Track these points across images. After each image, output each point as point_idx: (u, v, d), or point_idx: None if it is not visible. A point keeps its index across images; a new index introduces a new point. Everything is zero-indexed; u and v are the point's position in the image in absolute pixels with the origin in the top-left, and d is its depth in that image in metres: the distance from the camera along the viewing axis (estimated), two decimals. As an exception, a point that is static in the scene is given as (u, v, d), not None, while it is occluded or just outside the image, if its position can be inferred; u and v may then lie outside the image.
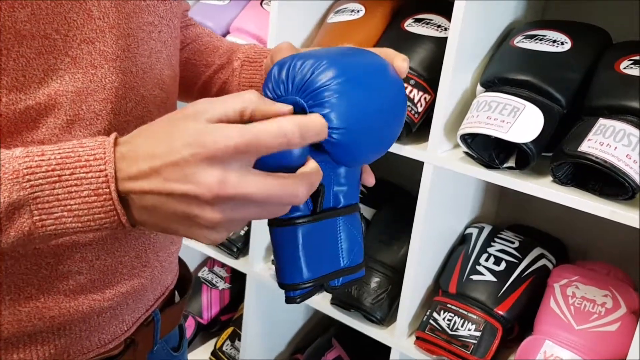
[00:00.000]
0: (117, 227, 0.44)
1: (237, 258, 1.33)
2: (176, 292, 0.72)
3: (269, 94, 0.49)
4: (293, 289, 0.50)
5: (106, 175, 0.42)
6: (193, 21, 0.79)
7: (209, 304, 1.53)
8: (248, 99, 0.43)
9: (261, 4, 1.32)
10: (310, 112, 0.46)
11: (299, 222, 0.50)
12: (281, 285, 0.51)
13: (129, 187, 0.42)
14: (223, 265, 1.58)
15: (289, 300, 0.51)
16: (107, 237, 0.55)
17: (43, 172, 0.42)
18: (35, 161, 0.42)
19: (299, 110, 0.47)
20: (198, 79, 0.75)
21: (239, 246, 1.32)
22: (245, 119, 0.43)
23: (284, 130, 0.41)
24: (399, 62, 0.53)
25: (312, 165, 0.45)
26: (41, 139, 0.49)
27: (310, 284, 0.51)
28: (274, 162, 0.44)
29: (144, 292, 0.61)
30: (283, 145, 0.41)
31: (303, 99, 0.47)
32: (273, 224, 0.51)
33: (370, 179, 0.57)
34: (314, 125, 0.44)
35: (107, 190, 0.42)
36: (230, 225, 0.43)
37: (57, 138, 0.50)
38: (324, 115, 0.45)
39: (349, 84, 0.46)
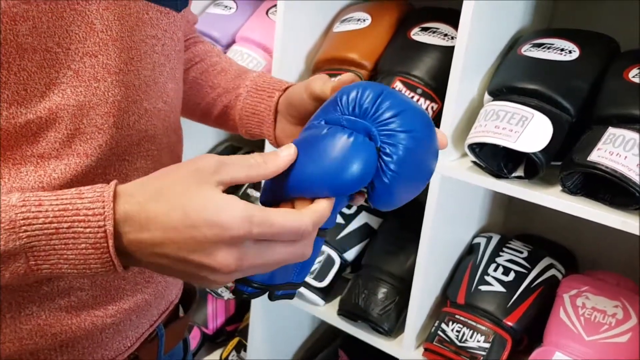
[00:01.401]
0: (112, 274, 0.46)
1: (242, 268, 1.33)
2: (180, 307, 0.72)
3: (343, 105, 0.51)
4: (246, 284, 0.52)
5: (105, 232, 0.42)
6: (202, 38, 0.79)
7: (214, 314, 1.52)
8: (255, 164, 0.46)
9: (267, 13, 1.32)
10: (380, 146, 0.49)
11: None
12: (241, 280, 0.54)
13: (138, 250, 0.43)
14: (229, 275, 1.57)
15: (236, 292, 0.53)
16: None
17: (40, 223, 0.42)
18: (32, 212, 0.42)
19: (363, 133, 0.49)
20: (202, 99, 0.74)
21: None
22: (253, 180, 0.46)
23: (302, 229, 0.44)
24: (441, 135, 0.55)
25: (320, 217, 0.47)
26: (41, 152, 0.49)
27: (261, 286, 0.53)
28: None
29: (148, 307, 0.61)
30: (297, 238, 0.45)
31: (377, 132, 0.49)
32: None
33: (360, 200, 0.58)
34: (325, 216, 0.47)
35: (105, 245, 0.43)
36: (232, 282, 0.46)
37: (58, 152, 0.50)
38: (388, 154, 0.49)
39: (416, 141, 0.50)
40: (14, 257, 0.42)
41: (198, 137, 1.56)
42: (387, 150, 0.49)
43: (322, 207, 0.47)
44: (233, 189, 1.36)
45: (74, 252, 0.43)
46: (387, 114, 0.50)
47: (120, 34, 0.51)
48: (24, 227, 0.42)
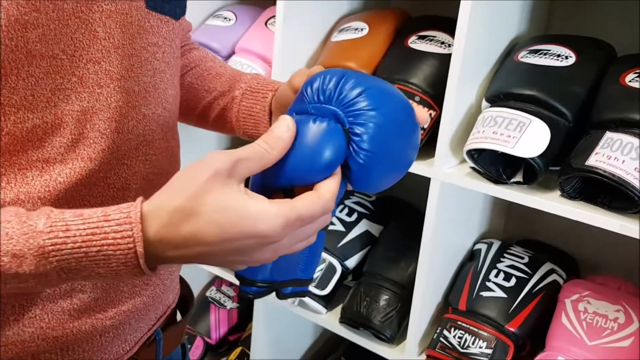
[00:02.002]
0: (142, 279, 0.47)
1: (244, 277, 1.33)
2: (178, 312, 0.72)
3: (308, 95, 0.52)
4: (250, 285, 0.53)
5: (135, 253, 0.44)
6: (196, 45, 0.80)
7: (217, 323, 1.52)
8: (264, 152, 0.47)
9: (266, 24, 1.33)
10: (349, 128, 0.50)
11: None
12: (240, 277, 0.54)
13: (175, 260, 0.45)
14: (231, 284, 1.57)
15: (242, 293, 0.54)
16: None
17: (69, 249, 0.43)
18: (61, 238, 0.43)
19: (333, 119, 0.50)
20: (198, 103, 0.75)
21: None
22: (264, 168, 0.48)
23: (327, 208, 0.48)
24: (419, 109, 0.58)
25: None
26: (47, 157, 0.50)
27: (266, 285, 0.53)
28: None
29: (146, 310, 0.62)
30: (323, 215, 0.48)
31: (344, 114, 0.50)
32: None
33: None
34: (336, 188, 0.49)
35: (137, 263, 0.44)
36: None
37: (62, 157, 0.51)
38: (358, 134, 0.49)
39: (386, 116, 0.50)
40: (46, 276, 0.44)
41: (196, 141, 1.57)
42: (357, 131, 0.49)
43: (333, 182, 0.49)
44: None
45: (105, 269, 0.44)
46: (351, 95, 0.50)
47: (122, 42, 0.53)
48: (53, 253, 0.43)
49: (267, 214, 0.44)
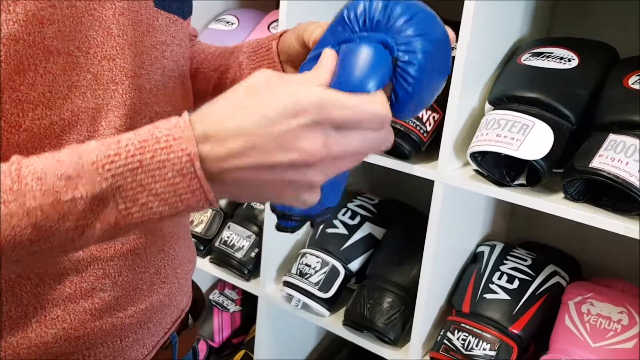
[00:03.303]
0: (204, 206, 0.43)
1: (248, 280, 1.33)
2: (190, 316, 0.73)
3: (352, 21, 0.51)
4: (288, 219, 0.53)
5: (189, 154, 0.41)
6: (199, 41, 0.81)
7: (220, 327, 1.52)
8: (308, 78, 0.45)
9: (268, 28, 1.34)
10: (397, 55, 0.49)
11: None
12: (278, 212, 0.54)
13: (220, 168, 0.42)
14: (234, 287, 1.57)
15: (280, 227, 0.54)
16: (128, 252, 0.56)
17: (123, 159, 0.41)
18: (113, 149, 0.41)
19: (380, 46, 0.49)
20: (208, 84, 0.75)
21: (250, 268, 1.32)
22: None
23: (382, 114, 0.44)
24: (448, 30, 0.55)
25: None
26: None
27: (302, 218, 0.54)
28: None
29: (163, 311, 0.62)
30: (380, 124, 0.44)
31: (392, 40, 0.49)
32: None
33: None
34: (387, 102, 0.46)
35: (192, 169, 0.41)
36: (324, 181, 0.44)
37: None
38: (408, 62, 0.49)
39: (432, 44, 0.50)
40: (103, 202, 0.40)
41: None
42: (407, 58, 0.49)
43: (383, 95, 0.47)
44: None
45: (161, 184, 0.41)
46: (400, 21, 0.49)
47: (134, 39, 0.53)
48: (107, 166, 0.40)
49: (306, 90, 0.42)
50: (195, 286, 0.75)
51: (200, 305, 0.74)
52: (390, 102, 0.50)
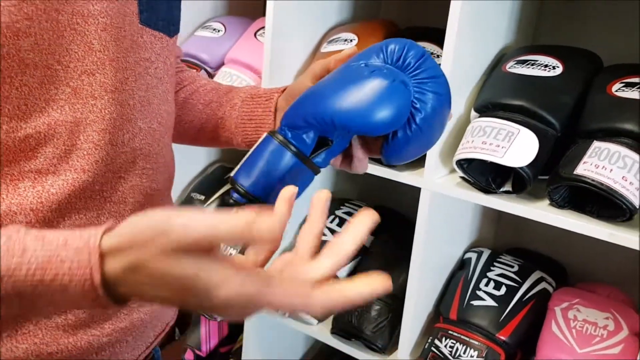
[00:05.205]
0: (100, 310, 0.45)
1: (235, 288, 1.32)
2: (176, 329, 0.72)
3: (384, 56, 0.55)
4: (237, 191, 0.56)
5: (92, 283, 0.40)
6: (187, 67, 0.81)
7: (207, 335, 1.51)
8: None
9: (255, 35, 1.33)
10: (415, 96, 0.54)
11: (294, 151, 0.56)
12: (233, 180, 0.57)
13: (127, 284, 0.41)
14: (221, 296, 1.56)
15: (227, 197, 0.56)
16: None
17: (23, 275, 0.40)
18: (14, 262, 0.40)
19: (398, 80, 0.53)
20: (194, 117, 0.75)
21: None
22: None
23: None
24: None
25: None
26: (39, 168, 0.50)
27: (251, 197, 0.56)
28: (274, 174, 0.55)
29: (144, 328, 0.61)
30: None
31: (413, 84, 0.54)
32: (273, 134, 0.57)
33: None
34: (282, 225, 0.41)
35: (94, 294, 0.41)
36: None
37: (55, 167, 0.50)
38: (418, 109, 0.54)
39: (442, 104, 0.55)
40: (8, 301, 0.41)
41: (189, 158, 1.57)
42: (418, 106, 0.53)
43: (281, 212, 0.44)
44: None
45: (62, 297, 0.41)
46: (425, 74, 0.54)
47: (116, 54, 0.53)
48: (5, 278, 0.40)
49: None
50: None
51: (187, 318, 0.73)
52: (385, 142, 0.55)
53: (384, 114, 0.51)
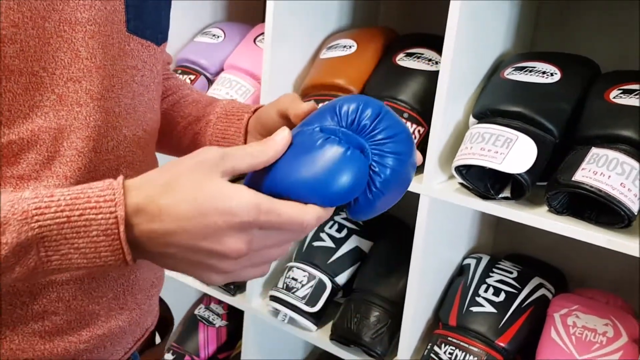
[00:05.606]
0: (121, 265, 0.45)
1: (234, 294, 1.32)
2: (157, 334, 0.71)
3: (341, 116, 0.53)
4: None
5: (116, 217, 0.43)
6: (173, 74, 0.81)
7: (205, 342, 1.50)
8: (255, 152, 0.48)
9: (254, 41, 1.34)
10: (374, 159, 0.51)
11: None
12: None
13: (149, 240, 0.44)
14: (220, 302, 1.56)
15: None
16: (84, 276, 0.55)
17: (52, 212, 0.43)
18: (45, 202, 0.43)
19: (357, 148, 0.51)
20: (173, 128, 0.76)
21: (236, 283, 1.31)
22: (255, 168, 0.48)
23: (306, 224, 0.47)
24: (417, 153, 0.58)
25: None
26: (21, 174, 0.50)
27: None
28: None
29: (122, 334, 0.61)
30: (300, 230, 0.47)
31: (370, 149, 0.52)
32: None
33: None
34: (326, 217, 0.49)
35: (116, 231, 0.43)
36: (240, 273, 0.47)
37: (37, 174, 0.50)
38: (377, 173, 0.51)
39: (403, 164, 0.53)
40: (26, 249, 0.42)
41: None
42: (377, 169, 0.51)
43: (325, 214, 0.49)
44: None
45: (84, 240, 0.43)
46: (382, 135, 0.52)
47: (103, 62, 0.53)
48: (36, 217, 0.42)
49: (241, 193, 0.44)
50: (163, 303, 0.74)
51: (167, 323, 0.73)
52: (349, 203, 0.53)
53: (340, 185, 0.49)
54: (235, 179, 0.50)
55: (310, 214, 0.47)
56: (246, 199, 0.44)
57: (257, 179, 0.50)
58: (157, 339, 0.72)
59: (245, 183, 0.52)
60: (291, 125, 0.59)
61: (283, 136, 0.50)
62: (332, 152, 0.50)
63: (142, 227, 0.44)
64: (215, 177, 0.45)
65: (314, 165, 0.49)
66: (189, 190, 0.44)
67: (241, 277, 0.47)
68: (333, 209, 0.50)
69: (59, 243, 0.43)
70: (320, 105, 0.57)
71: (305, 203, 0.48)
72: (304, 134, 0.52)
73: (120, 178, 0.45)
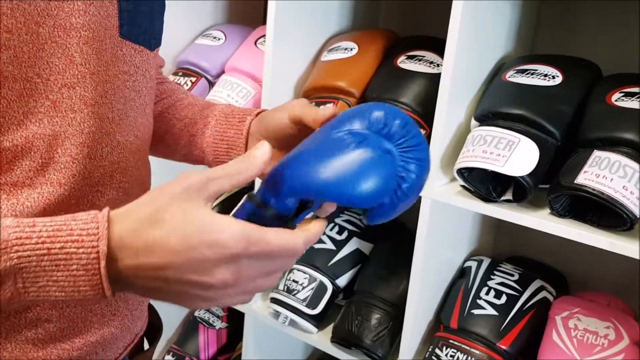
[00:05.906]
0: (100, 300, 0.44)
1: (234, 297, 1.32)
2: (145, 339, 0.71)
3: (369, 123, 0.54)
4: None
5: (97, 252, 0.42)
6: (168, 79, 0.81)
7: (206, 344, 1.50)
8: (236, 171, 0.47)
9: (255, 43, 1.34)
10: (400, 164, 0.53)
11: (275, 215, 0.53)
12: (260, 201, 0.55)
13: (134, 275, 0.43)
14: (220, 304, 1.56)
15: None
16: None
17: (33, 243, 0.42)
18: (26, 232, 0.42)
19: (387, 154, 0.53)
20: (168, 130, 0.75)
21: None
22: (238, 186, 0.48)
23: (295, 250, 0.46)
24: None
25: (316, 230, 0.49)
26: (15, 181, 0.49)
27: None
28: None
29: (114, 341, 0.61)
30: (290, 255, 0.47)
31: (397, 154, 0.53)
32: (251, 198, 0.54)
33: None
34: (317, 236, 0.49)
35: (97, 266, 0.42)
36: (225, 301, 0.47)
37: (31, 180, 0.50)
38: (403, 178, 0.53)
39: (424, 171, 0.55)
40: (2, 278, 0.42)
41: (167, 172, 1.56)
42: (403, 175, 0.53)
43: (315, 230, 0.49)
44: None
45: (64, 273, 0.42)
46: (409, 143, 0.54)
47: (97, 68, 0.52)
48: (16, 247, 0.41)
49: (229, 225, 0.43)
50: (151, 309, 0.74)
51: (156, 329, 0.73)
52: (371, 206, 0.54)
53: (375, 188, 0.50)
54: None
55: (300, 237, 0.47)
56: (235, 231, 0.43)
57: (286, 172, 0.50)
58: (146, 345, 0.72)
59: (265, 184, 0.52)
60: (305, 130, 0.60)
61: (264, 151, 0.49)
62: (367, 155, 0.51)
63: (126, 262, 0.43)
64: (201, 205, 0.44)
65: (351, 167, 0.50)
66: (178, 222, 0.43)
67: (226, 303, 0.47)
68: (322, 232, 0.50)
69: (38, 275, 0.42)
70: (341, 111, 0.58)
71: (338, 203, 0.49)
72: (333, 137, 0.54)
73: (106, 210, 0.44)
